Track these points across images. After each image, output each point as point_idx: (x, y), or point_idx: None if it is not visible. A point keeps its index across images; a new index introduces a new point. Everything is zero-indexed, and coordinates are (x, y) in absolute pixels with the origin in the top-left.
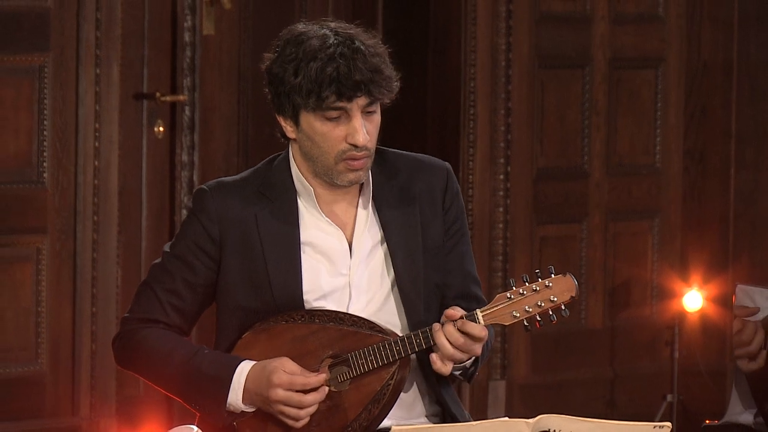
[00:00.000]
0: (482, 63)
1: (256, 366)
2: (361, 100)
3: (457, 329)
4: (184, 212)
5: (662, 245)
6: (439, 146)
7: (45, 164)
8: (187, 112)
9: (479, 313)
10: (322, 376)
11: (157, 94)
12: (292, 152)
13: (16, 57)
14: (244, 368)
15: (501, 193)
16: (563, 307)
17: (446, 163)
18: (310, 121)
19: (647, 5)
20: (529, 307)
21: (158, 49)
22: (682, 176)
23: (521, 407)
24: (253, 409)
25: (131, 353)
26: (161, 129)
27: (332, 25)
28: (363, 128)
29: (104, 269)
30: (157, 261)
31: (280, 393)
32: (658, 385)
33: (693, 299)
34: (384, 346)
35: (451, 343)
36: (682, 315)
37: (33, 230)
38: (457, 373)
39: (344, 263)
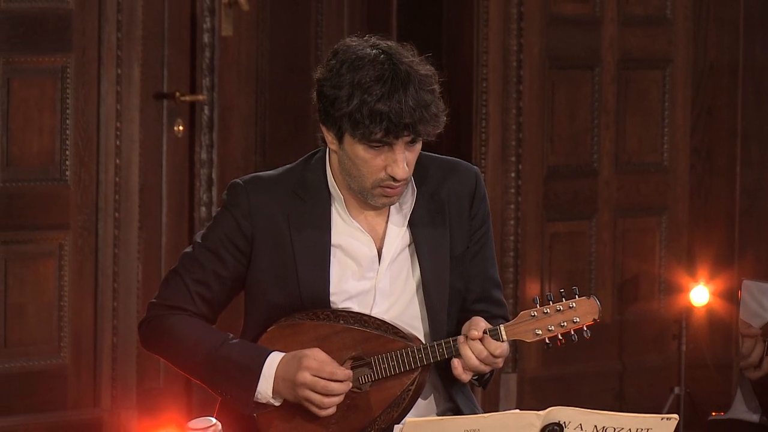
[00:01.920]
0: (494, 64)
1: (288, 355)
2: (407, 138)
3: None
4: (203, 209)
5: (669, 241)
6: (452, 144)
7: (68, 162)
8: (206, 111)
9: (503, 329)
10: (349, 372)
11: (177, 94)
12: (330, 158)
13: (39, 58)
14: (275, 359)
15: (512, 190)
16: (585, 328)
17: (475, 167)
18: (354, 145)
19: (655, 8)
20: (551, 327)
21: (178, 50)
22: (688, 174)
23: (532, 400)
24: (280, 401)
25: (159, 338)
26: (181, 128)
27: (388, 47)
28: (404, 162)
29: (125, 265)
30: (187, 250)
31: (307, 377)
32: (665, 377)
33: (700, 294)
34: (407, 353)
35: (475, 356)
36: (689, 309)
37: (56, 227)
38: (473, 378)
39: (372, 268)
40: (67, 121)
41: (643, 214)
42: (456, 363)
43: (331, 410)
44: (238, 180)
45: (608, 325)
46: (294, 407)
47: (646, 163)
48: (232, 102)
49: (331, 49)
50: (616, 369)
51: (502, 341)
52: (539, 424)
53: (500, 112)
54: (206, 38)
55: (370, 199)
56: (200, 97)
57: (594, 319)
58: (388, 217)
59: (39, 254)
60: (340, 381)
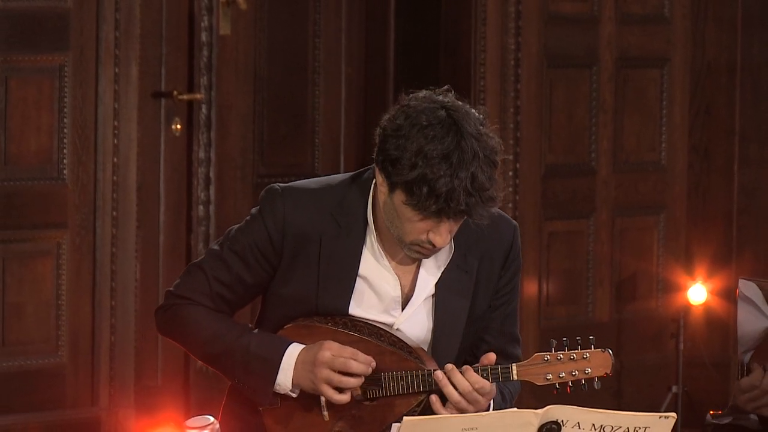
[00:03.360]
0: (492, 62)
1: (308, 346)
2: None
3: (469, 379)
4: (201, 208)
5: (667, 240)
6: None
7: (65, 161)
8: (204, 110)
9: (514, 368)
10: (370, 358)
11: (175, 93)
12: (375, 190)
13: (37, 57)
14: (294, 351)
15: (510, 189)
16: (596, 379)
17: (515, 223)
18: (402, 204)
19: (653, 6)
20: (562, 374)
21: (176, 49)
22: (686, 173)
23: (530, 398)
24: (296, 393)
25: (177, 325)
26: (178, 127)
27: (457, 113)
28: (447, 234)
29: (123, 263)
30: (215, 247)
31: (327, 354)
32: (663, 376)
33: (697, 292)
34: (417, 375)
35: (458, 390)
36: (686, 308)
37: (54, 225)
38: None
39: (394, 308)
40: (65, 120)
41: (641, 212)
42: (434, 399)
43: (346, 397)
44: (277, 186)
45: (606, 324)
46: (300, 409)
47: (644, 162)
48: (230, 101)
49: (402, 100)
50: (614, 367)
51: (512, 380)
52: (537, 423)
53: (498, 111)
54: (204, 37)
55: (405, 249)
56: (198, 96)
57: (606, 373)
58: (420, 261)
59: (37, 253)
60: (361, 363)
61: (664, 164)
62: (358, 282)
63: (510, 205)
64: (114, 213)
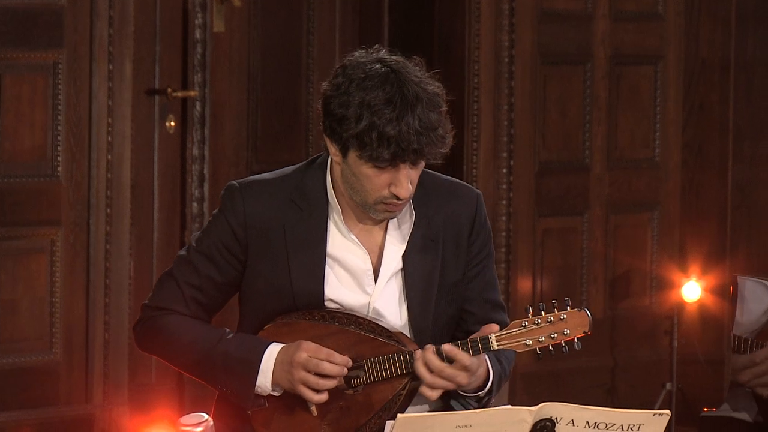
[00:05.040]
0: (486, 59)
1: (286, 345)
2: (412, 160)
3: (445, 354)
4: (195, 205)
5: (661, 237)
6: None
7: (59, 158)
8: (198, 107)
9: (493, 337)
10: (347, 358)
11: (169, 90)
12: (331, 168)
13: (31, 54)
14: (273, 351)
15: (504, 186)
16: (576, 339)
17: (477, 191)
18: (358, 162)
19: (647, 3)
20: (542, 338)
21: (170, 46)
22: (680, 170)
23: (524, 395)
24: (280, 392)
25: (155, 337)
26: (173, 124)
27: (396, 63)
28: (407, 182)
29: (117, 261)
30: (182, 253)
31: (304, 356)
32: (657, 373)
33: (691, 289)
34: (399, 358)
35: (430, 370)
36: (680, 305)
37: (48, 222)
38: (472, 400)
39: (367, 282)
40: (59, 117)
41: (635, 209)
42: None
43: (324, 396)
44: (234, 183)
45: (600, 321)
46: (289, 407)
47: (637, 159)
48: (223, 98)
49: (339, 63)
50: (608, 365)
51: (493, 350)
52: (531, 420)
53: (492, 108)
54: (198, 34)
55: (372, 212)
56: (192, 93)
57: (584, 332)
58: (385, 233)
59: (31, 250)
60: (336, 364)
61: (657, 161)
62: (329, 262)
63: (504, 201)
64: (108, 210)
